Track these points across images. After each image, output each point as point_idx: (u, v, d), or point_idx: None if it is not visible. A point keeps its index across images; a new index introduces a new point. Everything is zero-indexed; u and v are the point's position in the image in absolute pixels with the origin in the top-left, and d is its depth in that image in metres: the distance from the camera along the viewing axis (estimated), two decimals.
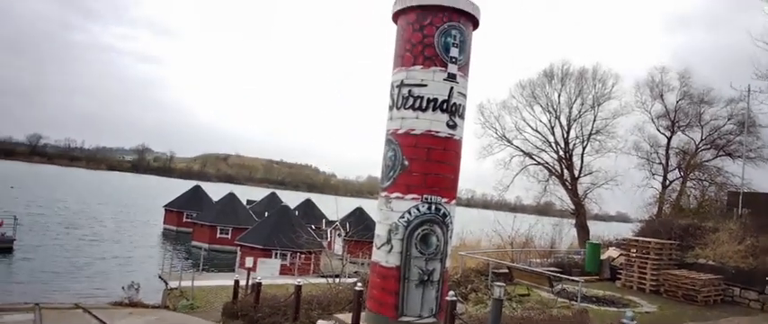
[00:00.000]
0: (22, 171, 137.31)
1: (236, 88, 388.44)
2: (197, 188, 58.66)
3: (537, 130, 33.98)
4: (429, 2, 8.07)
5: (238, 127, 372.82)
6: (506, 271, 17.17)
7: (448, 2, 8.07)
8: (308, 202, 59.11)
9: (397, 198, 7.97)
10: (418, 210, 7.92)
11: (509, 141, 34.38)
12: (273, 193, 64.83)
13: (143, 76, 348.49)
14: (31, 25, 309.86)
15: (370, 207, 42.58)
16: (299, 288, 11.16)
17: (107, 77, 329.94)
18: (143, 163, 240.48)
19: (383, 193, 8.34)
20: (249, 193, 73.88)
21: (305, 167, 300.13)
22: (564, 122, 33.36)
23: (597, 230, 34.13)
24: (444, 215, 8.07)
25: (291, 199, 51.10)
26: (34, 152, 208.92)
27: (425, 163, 7.96)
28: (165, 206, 56.33)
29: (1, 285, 25.06)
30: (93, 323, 17.11)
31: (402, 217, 7.94)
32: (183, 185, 79.27)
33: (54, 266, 31.16)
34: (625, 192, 32.37)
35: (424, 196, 7.89)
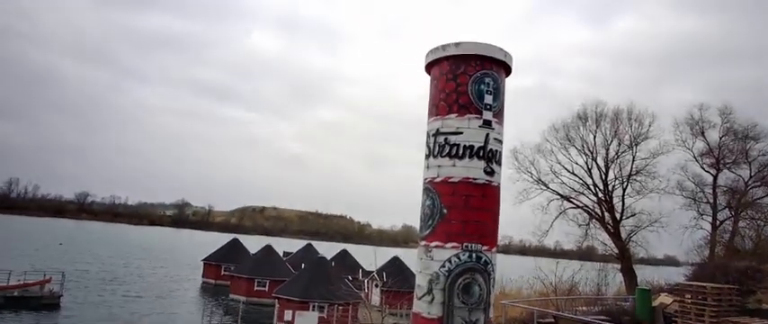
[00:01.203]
0: (70, 228, 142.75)
1: (271, 143, 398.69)
2: (235, 241, 59.44)
3: (574, 173, 33.33)
4: (461, 52, 8.24)
5: (273, 180, 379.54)
6: (552, 321, 16.47)
7: (480, 51, 8.23)
8: (343, 253, 58.94)
9: (437, 247, 7.89)
10: (459, 258, 7.80)
11: (545, 185, 33.77)
12: (309, 245, 65.00)
13: (182, 132, 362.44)
14: (82, 89, 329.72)
15: (407, 256, 42.12)
16: None
17: (149, 135, 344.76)
18: (183, 217, 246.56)
19: (422, 243, 8.28)
20: (285, 245, 74.30)
21: (339, 218, 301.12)
22: (601, 164, 32.66)
23: (645, 275, 32.57)
24: (486, 263, 7.91)
25: (327, 250, 51.10)
26: (82, 209, 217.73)
27: (464, 211, 7.89)
28: (204, 260, 57.10)
29: None
30: None
31: (443, 266, 7.83)
32: (221, 239, 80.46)
33: (96, 320, 31.71)
34: (672, 234, 31.01)
35: (465, 244, 7.78)
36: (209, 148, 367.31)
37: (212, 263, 55.42)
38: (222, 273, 53.25)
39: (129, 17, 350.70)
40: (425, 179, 8.55)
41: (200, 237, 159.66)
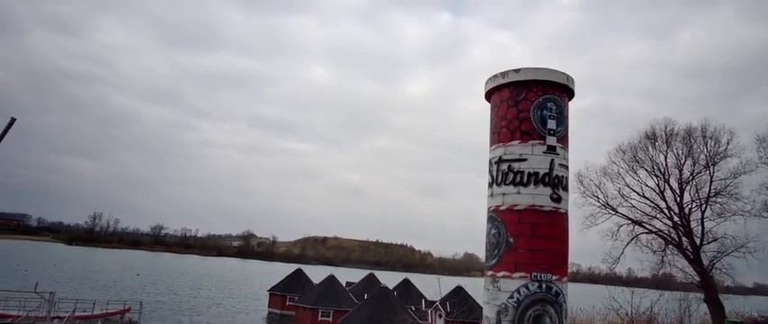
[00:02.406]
0: (146, 259, 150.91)
1: (330, 173, 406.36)
2: (298, 271, 60.45)
3: (644, 196, 31.57)
4: (521, 78, 8.19)
5: (334, 210, 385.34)
6: None
7: (541, 76, 8.15)
8: (405, 283, 58.41)
9: (505, 277, 7.70)
10: (528, 289, 7.57)
11: (614, 209, 32.18)
12: (371, 274, 64.98)
13: (246, 166, 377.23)
14: (154, 127, 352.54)
15: (470, 285, 41.17)
16: None
17: (216, 170, 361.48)
18: (248, 248, 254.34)
19: (489, 273, 8.11)
20: (347, 275, 74.68)
21: (400, 247, 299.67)
22: (675, 186, 30.77)
23: (734, 306, 29.98)
24: (557, 293, 7.63)
25: (389, 279, 50.90)
26: (157, 241, 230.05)
27: (531, 239, 7.69)
28: (270, 290, 58.36)
29: None
30: None
31: (511, 297, 7.62)
32: (285, 269, 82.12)
33: None
34: (763, 260, 28.46)
35: (534, 274, 7.55)
36: (272, 180, 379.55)
37: (277, 293, 56.53)
38: (287, 303, 54.14)
39: (195, 59, 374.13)
40: (490, 207, 8.43)
41: (264, 267, 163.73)
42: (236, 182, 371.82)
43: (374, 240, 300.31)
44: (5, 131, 8.27)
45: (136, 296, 45.18)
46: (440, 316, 44.50)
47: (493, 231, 8.07)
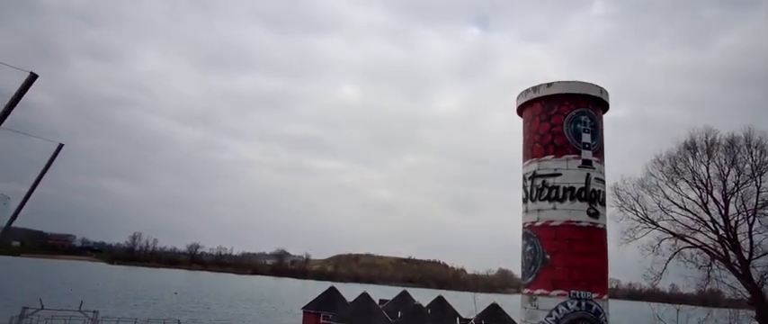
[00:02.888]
0: (184, 278, 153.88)
1: (361, 190, 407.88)
2: (331, 289, 60.45)
3: (686, 209, 30.43)
4: (553, 92, 8.11)
5: (366, 227, 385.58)
6: None
7: (573, 89, 8.05)
8: (439, 300, 57.59)
9: (542, 295, 7.54)
10: (567, 307, 7.38)
11: (654, 223, 31.13)
12: (405, 292, 64.39)
13: (278, 184, 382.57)
14: (190, 149, 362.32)
15: (505, 302, 40.39)
16: None
17: (249, 189, 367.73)
18: (282, 266, 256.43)
19: (526, 291, 7.95)
20: (381, 292, 74.23)
21: (433, 263, 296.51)
22: (719, 197, 29.56)
23: None
24: (597, 312, 7.41)
25: (422, 296, 50.35)
26: (193, 260, 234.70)
27: (569, 255, 7.53)
28: (304, 308, 58.52)
29: None
30: None
31: (549, 315, 7.44)
32: (318, 286, 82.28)
33: None
34: None
35: (572, 292, 7.37)
36: (304, 198, 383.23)
37: (311, 311, 56.58)
38: (321, 320, 54.11)
39: (227, 81, 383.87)
40: (525, 224, 8.31)
41: (298, 285, 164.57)
42: (269, 200, 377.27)
43: (407, 257, 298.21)
44: (53, 157, 8.74)
45: (174, 315, 46.05)
46: None
47: (528, 248, 7.93)
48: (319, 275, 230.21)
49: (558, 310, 7.34)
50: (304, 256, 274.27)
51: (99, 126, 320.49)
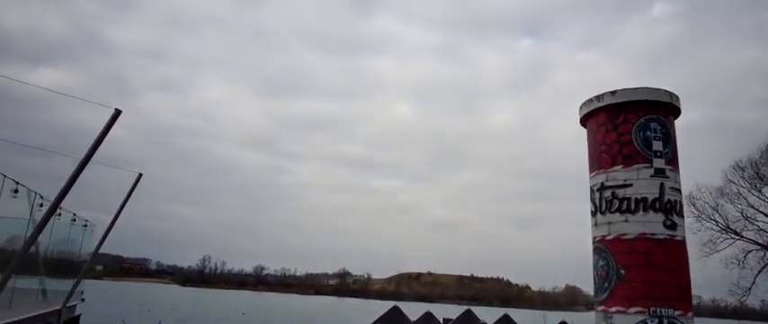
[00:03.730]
0: (250, 298, 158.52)
1: (419, 209, 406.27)
2: (395, 308, 60.12)
3: None
4: (619, 99, 7.83)
5: (426, 246, 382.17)
6: None
7: (640, 96, 7.74)
8: (505, 318, 55.86)
9: (619, 312, 7.18)
10: None
11: (738, 234, 28.91)
12: (469, 310, 62.98)
13: (337, 205, 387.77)
14: (252, 174, 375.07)
15: (575, 321, 38.70)
16: None
17: (309, 210, 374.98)
18: (344, 286, 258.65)
19: (600, 308, 7.60)
20: (444, 311, 72.95)
21: (496, 281, 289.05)
22: None
23: None
24: None
25: (487, 315, 48.98)
26: (259, 281, 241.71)
27: (645, 270, 7.15)
28: None
29: None
30: None
31: None
32: (380, 306, 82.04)
33: None
34: None
35: (652, 309, 6.96)
36: (363, 218, 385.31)
37: None
38: None
39: (283, 105, 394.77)
40: (595, 237, 7.98)
41: (360, 304, 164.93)
42: (329, 221, 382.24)
43: (469, 275, 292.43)
44: (134, 186, 9.41)
45: None
46: None
47: (601, 263, 7.60)
48: (381, 295, 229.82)
49: None
50: (365, 276, 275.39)
51: (169, 155, 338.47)
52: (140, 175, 10.26)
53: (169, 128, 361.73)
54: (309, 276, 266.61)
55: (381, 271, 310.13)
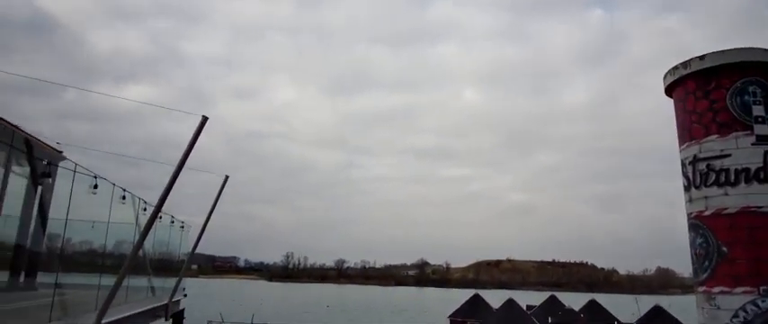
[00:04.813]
0: (333, 291, 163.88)
1: (495, 196, 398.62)
2: (476, 296, 59.68)
3: None
4: (709, 64, 7.26)
5: (504, 232, 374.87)
6: None
7: (733, 58, 7.13)
8: (591, 304, 53.80)
9: (723, 293, 6.71)
10: (757, 305, 6.48)
11: None
12: (553, 296, 61.29)
13: (411, 197, 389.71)
14: (326, 171, 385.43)
15: (671, 304, 36.46)
16: None
17: (384, 203, 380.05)
18: (424, 276, 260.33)
19: (701, 289, 7.14)
20: (526, 298, 71.46)
21: (580, 265, 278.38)
22: None
23: None
24: None
25: (572, 301, 47.35)
26: (340, 275, 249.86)
27: (751, 247, 6.62)
28: (450, 316, 58.56)
29: None
30: None
31: (735, 316, 6.59)
32: (460, 294, 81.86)
33: None
34: None
35: (763, 288, 6.45)
36: (438, 208, 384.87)
37: (458, 319, 56.35)
38: None
39: (352, 102, 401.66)
40: (690, 214, 7.48)
41: (440, 293, 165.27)
42: (405, 213, 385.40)
43: (550, 260, 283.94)
44: (222, 188, 10.09)
45: None
46: None
47: (698, 241, 7.12)
48: (461, 283, 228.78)
49: (745, 310, 6.48)
50: (444, 265, 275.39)
51: (248, 159, 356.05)
52: (227, 178, 10.91)
53: (246, 133, 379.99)
54: (389, 268, 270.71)
55: (460, 260, 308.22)
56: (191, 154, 6.56)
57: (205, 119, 6.29)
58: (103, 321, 6.55)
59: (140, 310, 9.52)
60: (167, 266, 12.42)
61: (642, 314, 38.66)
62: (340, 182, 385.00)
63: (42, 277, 7.25)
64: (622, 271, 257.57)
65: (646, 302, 40.16)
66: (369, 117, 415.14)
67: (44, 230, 6.88)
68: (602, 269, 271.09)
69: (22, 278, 6.88)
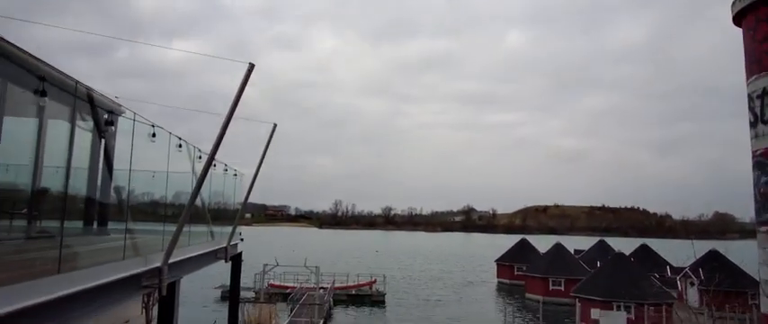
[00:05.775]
0: (381, 237, 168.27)
1: (542, 140, 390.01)
2: (524, 241, 59.90)
3: None
4: None
5: (552, 178, 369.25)
6: None
7: None
8: (644, 248, 53.01)
9: None
10: None
11: None
12: (602, 241, 60.75)
13: (458, 143, 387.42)
14: (372, 120, 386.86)
15: (728, 249, 35.30)
16: None
17: (430, 150, 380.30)
18: (470, 222, 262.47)
19: (763, 229, 6.88)
20: (574, 243, 71.10)
21: (631, 211, 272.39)
22: None
23: None
24: None
25: (623, 245, 46.60)
26: (388, 221, 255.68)
27: None
28: (497, 260, 59.21)
29: None
30: None
31: None
32: (507, 240, 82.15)
33: (414, 317, 36.38)
34: None
35: None
36: (485, 154, 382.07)
37: (505, 263, 57.01)
38: (515, 273, 54.23)
39: (395, 49, 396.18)
40: (755, 151, 7.12)
41: (487, 239, 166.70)
42: (451, 159, 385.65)
43: (600, 206, 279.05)
44: (271, 136, 10.33)
45: (378, 270, 50.60)
46: (691, 284, 39.18)
47: (763, 179, 6.80)
48: (507, 229, 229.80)
49: None
50: (491, 212, 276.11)
51: (294, 110, 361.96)
52: (275, 126, 11.15)
53: (291, 83, 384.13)
54: (435, 214, 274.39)
55: (506, 206, 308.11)
56: (239, 102, 6.72)
57: (252, 66, 6.39)
58: (171, 260, 7.05)
59: (202, 252, 10.17)
60: (223, 215, 13.08)
61: (698, 259, 37.76)
62: (385, 130, 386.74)
63: (112, 225, 7.82)
64: (676, 216, 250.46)
65: (701, 248, 39.04)
66: (412, 64, 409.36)
67: (111, 181, 7.34)
68: (655, 214, 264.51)
69: (95, 226, 7.44)
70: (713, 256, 38.93)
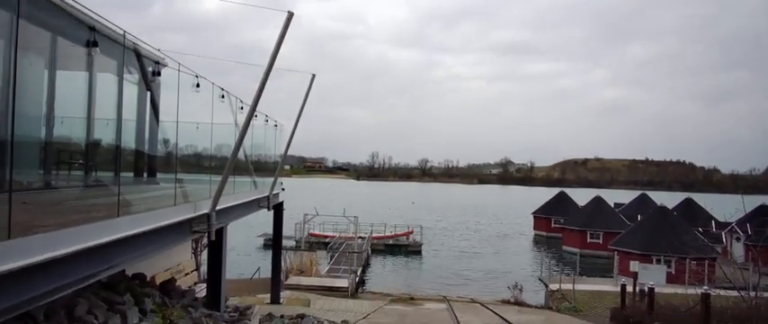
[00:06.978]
0: (418, 189, 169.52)
1: (584, 92, 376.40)
2: (562, 194, 59.26)
3: None
4: None
5: (592, 130, 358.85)
6: None
7: None
8: (688, 202, 51.53)
9: None
10: None
11: None
12: (643, 195, 59.36)
13: (495, 95, 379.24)
14: (407, 71, 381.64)
15: None
16: (706, 296, 9.83)
17: (467, 101, 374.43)
18: (507, 175, 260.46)
19: None
20: (614, 196, 69.72)
21: (675, 164, 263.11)
22: None
23: None
24: None
25: (666, 199, 45.45)
26: (424, 174, 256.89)
27: None
28: (534, 213, 58.98)
29: (417, 281, 31.38)
30: (489, 314, 19.41)
31: None
32: (545, 193, 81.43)
33: (450, 267, 37.06)
34: None
35: None
36: (523, 106, 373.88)
37: (542, 216, 56.76)
38: (552, 225, 54.00)
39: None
40: None
41: (524, 192, 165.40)
42: (488, 111, 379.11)
43: (642, 159, 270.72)
44: (309, 87, 10.37)
45: (415, 221, 51.31)
46: (737, 239, 38.12)
47: None
48: (546, 182, 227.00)
49: None
50: (529, 164, 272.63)
51: (330, 61, 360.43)
52: (314, 77, 11.19)
53: (325, 33, 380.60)
54: (472, 167, 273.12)
55: (545, 159, 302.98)
56: (279, 52, 6.74)
57: (291, 14, 6.36)
58: (218, 207, 7.38)
59: (246, 199, 10.58)
60: (264, 167, 13.44)
61: (746, 214, 36.50)
62: (421, 82, 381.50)
63: (160, 176, 8.13)
64: (725, 171, 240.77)
65: (751, 203, 37.65)
66: (448, 11, 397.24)
67: (158, 132, 7.59)
68: (702, 168, 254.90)
69: (144, 177, 7.77)
70: (763, 210, 37.62)
